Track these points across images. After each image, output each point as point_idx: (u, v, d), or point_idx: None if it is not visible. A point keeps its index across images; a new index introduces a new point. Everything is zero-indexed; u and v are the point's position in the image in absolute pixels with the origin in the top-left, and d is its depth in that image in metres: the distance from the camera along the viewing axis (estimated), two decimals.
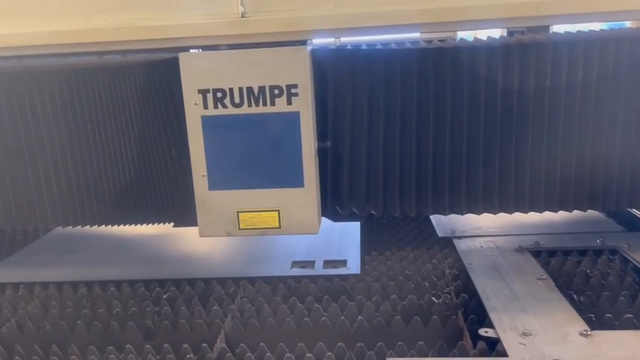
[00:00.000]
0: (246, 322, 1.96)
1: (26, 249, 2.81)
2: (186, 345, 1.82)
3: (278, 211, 1.98)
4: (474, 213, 2.18)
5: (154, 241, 2.78)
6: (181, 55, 1.92)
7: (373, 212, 2.20)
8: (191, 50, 2.07)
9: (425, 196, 2.15)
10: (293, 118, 1.91)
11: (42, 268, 2.51)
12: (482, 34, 2.14)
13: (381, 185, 2.14)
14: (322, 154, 2.06)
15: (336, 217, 2.20)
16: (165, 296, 2.20)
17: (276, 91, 1.89)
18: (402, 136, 2.09)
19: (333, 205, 2.17)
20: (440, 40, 2.09)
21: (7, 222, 2.35)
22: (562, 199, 2.15)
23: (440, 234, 2.62)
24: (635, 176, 2.12)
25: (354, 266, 2.33)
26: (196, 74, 1.91)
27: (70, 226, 2.37)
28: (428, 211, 2.19)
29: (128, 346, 1.84)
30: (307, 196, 1.97)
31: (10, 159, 2.24)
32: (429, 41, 2.10)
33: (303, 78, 1.88)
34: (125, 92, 2.13)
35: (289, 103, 1.89)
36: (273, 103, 1.90)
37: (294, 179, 1.96)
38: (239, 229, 2.01)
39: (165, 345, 1.83)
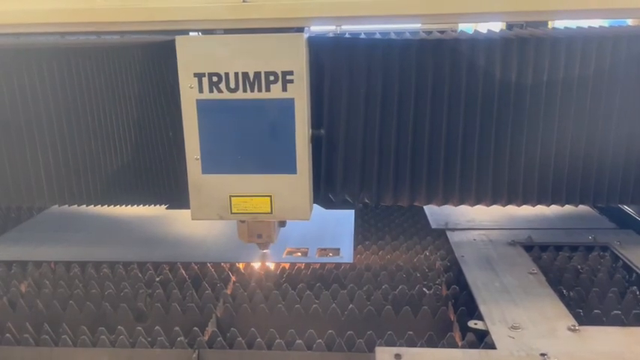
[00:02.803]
0: (237, 307, 1.97)
1: (20, 227, 2.81)
2: (177, 328, 1.83)
3: (270, 196, 1.98)
4: (468, 205, 2.19)
5: (148, 223, 2.78)
6: (178, 38, 1.90)
7: (367, 201, 2.20)
8: (190, 33, 2.05)
9: (419, 187, 2.16)
10: (287, 105, 1.90)
11: (36, 247, 2.52)
12: (483, 28, 2.13)
13: (375, 174, 2.14)
14: (317, 142, 2.06)
15: (328, 204, 2.21)
16: (158, 279, 2.21)
17: (272, 78, 1.88)
18: (397, 127, 2.08)
19: (326, 192, 2.18)
20: (439, 32, 2.09)
21: (4, 199, 2.35)
22: (554, 193, 2.16)
23: (433, 225, 2.63)
24: (627, 173, 2.13)
25: (347, 255, 2.34)
26: (192, 58, 1.90)
27: (66, 205, 2.37)
28: (421, 202, 2.20)
29: (119, 327, 1.85)
30: (300, 182, 1.97)
31: (8, 137, 2.23)
32: (429, 32, 2.10)
33: (298, 65, 1.87)
34: (123, 73, 2.12)
35: (284, 89, 1.89)
36: (268, 89, 1.89)
37: (287, 165, 1.96)
38: (231, 213, 2.02)
39: (157, 327, 1.84)
